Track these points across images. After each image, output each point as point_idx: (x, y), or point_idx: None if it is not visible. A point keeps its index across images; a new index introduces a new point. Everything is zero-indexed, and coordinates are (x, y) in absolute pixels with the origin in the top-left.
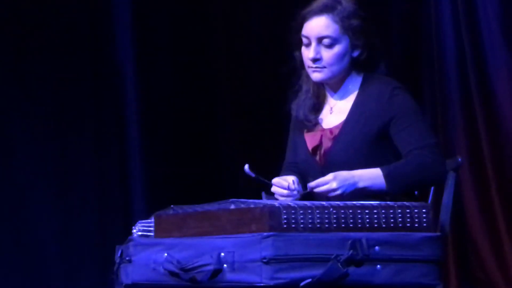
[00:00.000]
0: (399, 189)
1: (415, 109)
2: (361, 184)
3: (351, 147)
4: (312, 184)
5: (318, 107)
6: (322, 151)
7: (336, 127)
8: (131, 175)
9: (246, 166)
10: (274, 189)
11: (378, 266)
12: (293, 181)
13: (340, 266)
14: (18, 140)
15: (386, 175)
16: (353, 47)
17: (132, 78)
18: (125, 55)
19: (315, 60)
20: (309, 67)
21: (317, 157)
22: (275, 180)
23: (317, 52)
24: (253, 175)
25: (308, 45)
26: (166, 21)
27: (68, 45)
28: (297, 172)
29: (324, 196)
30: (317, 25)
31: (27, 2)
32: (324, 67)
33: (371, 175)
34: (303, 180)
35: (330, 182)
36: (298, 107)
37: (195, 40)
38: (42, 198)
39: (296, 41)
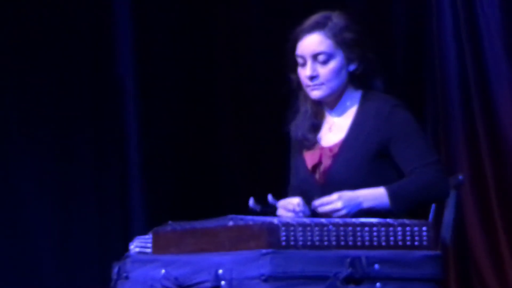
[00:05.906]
0: (404, 208)
1: (415, 127)
2: (366, 204)
3: (351, 165)
4: (316, 202)
5: (316, 127)
6: (322, 169)
7: (335, 145)
8: (130, 190)
9: (251, 201)
10: (280, 212)
11: (378, 284)
12: (298, 203)
13: (339, 284)
14: (18, 152)
15: (391, 194)
16: (348, 60)
17: (132, 96)
18: (126, 73)
19: (312, 78)
20: (307, 86)
21: (317, 175)
22: (281, 203)
23: (314, 69)
24: (258, 209)
25: (303, 64)
26: (169, 36)
27: (68, 61)
28: (301, 194)
29: (328, 215)
30: (311, 43)
31: (28, 16)
32: (323, 83)
33: (376, 195)
34: (304, 199)
35: (334, 202)
36: (297, 128)
37: (198, 57)
38: (41, 211)
39: (291, 63)
